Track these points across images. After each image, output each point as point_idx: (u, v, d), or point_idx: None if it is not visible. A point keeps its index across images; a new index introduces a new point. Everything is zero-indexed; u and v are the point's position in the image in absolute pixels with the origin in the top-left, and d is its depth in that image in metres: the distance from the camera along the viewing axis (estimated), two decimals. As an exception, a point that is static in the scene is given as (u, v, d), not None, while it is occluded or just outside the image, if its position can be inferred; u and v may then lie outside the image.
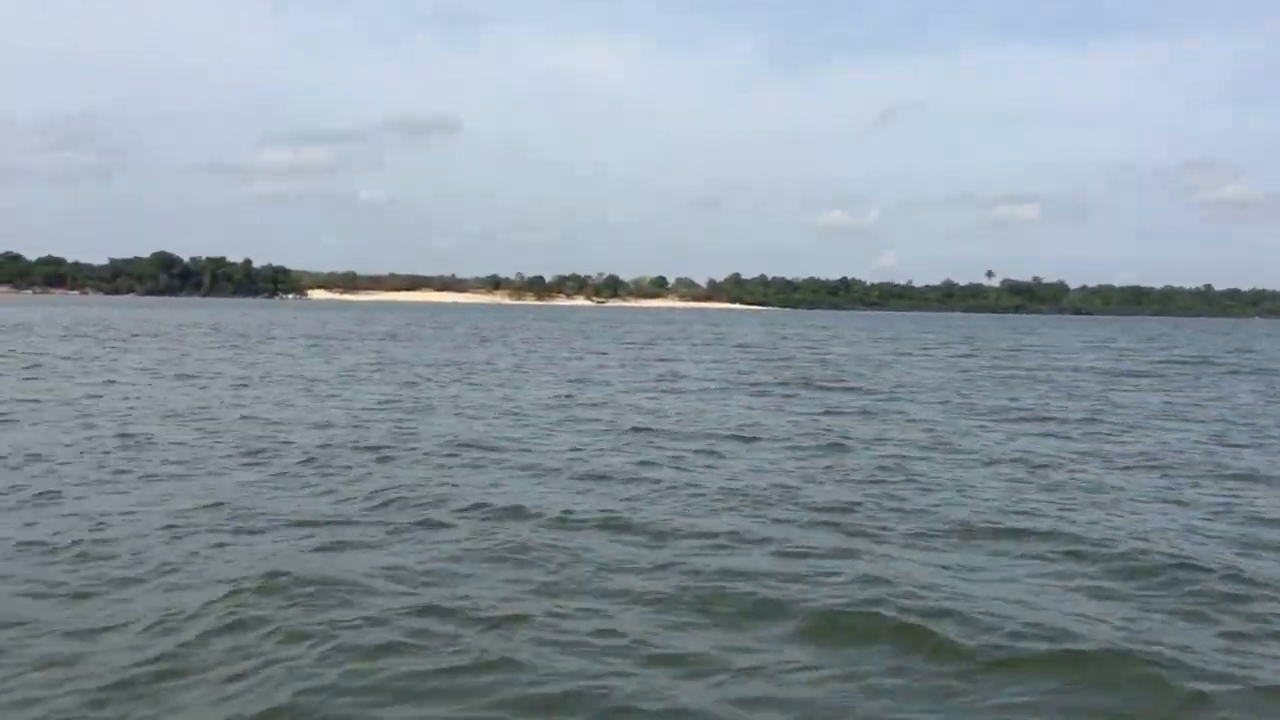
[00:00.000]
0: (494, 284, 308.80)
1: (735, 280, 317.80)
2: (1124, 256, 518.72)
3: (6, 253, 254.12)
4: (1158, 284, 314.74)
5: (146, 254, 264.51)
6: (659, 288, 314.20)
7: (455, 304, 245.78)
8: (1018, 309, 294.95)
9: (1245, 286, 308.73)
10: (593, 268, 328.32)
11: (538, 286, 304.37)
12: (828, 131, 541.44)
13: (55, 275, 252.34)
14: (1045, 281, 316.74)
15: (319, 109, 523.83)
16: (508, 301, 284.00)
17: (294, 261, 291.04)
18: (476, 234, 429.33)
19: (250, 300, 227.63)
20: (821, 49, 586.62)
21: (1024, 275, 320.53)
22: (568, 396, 23.20)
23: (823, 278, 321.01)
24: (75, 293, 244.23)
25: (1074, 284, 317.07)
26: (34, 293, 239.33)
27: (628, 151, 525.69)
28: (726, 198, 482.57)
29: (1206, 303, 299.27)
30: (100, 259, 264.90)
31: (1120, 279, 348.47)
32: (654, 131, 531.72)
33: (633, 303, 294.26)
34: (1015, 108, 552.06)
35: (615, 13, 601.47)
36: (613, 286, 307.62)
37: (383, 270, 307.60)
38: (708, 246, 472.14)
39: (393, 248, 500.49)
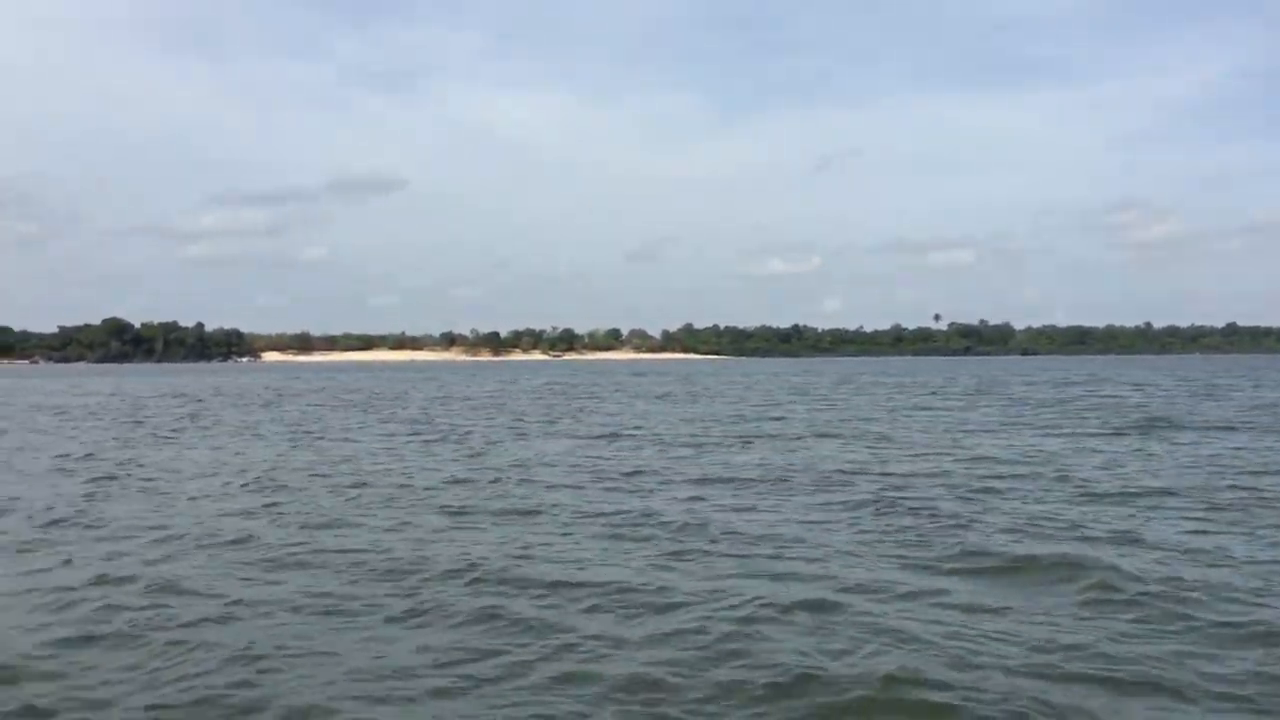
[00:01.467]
0: (449, 341, 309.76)
1: (688, 330, 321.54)
2: (1058, 297, 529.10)
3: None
4: (1092, 323, 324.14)
5: (89, 320, 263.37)
6: (614, 339, 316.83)
7: (422, 362, 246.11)
8: (967, 351, 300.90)
9: (1178, 323, 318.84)
10: (541, 321, 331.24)
11: (493, 342, 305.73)
12: (765, 181, 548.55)
13: (3, 343, 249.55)
14: (991, 323, 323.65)
15: (259, 169, 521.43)
16: (464, 358, 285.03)
17: (239, 323, 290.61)
18: (421, 290, 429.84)
19: (212, 365, 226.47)
20: (752, 100, 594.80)
21: (966, 318, 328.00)
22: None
23: (774, 325, 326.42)
24: (23, 361, 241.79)
25: (1015, 325, 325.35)
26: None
27: (571, 204, 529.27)
28: (670, 248, 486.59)
29: (1147, 340, 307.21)
30: (43, 326, 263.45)
31: (1054, 319, 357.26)
32: (595, 183, 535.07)
33: (589, 355, 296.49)
34: (947, 154, 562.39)
35: (551, 67, 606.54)
36: (568, 340, 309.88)
37: (330, 330, 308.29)
38: (655, 297, 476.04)
39: (338, 306, 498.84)
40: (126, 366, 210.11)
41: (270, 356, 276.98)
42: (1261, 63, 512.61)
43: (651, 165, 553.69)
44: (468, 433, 29.79)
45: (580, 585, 9.96)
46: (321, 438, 28.44)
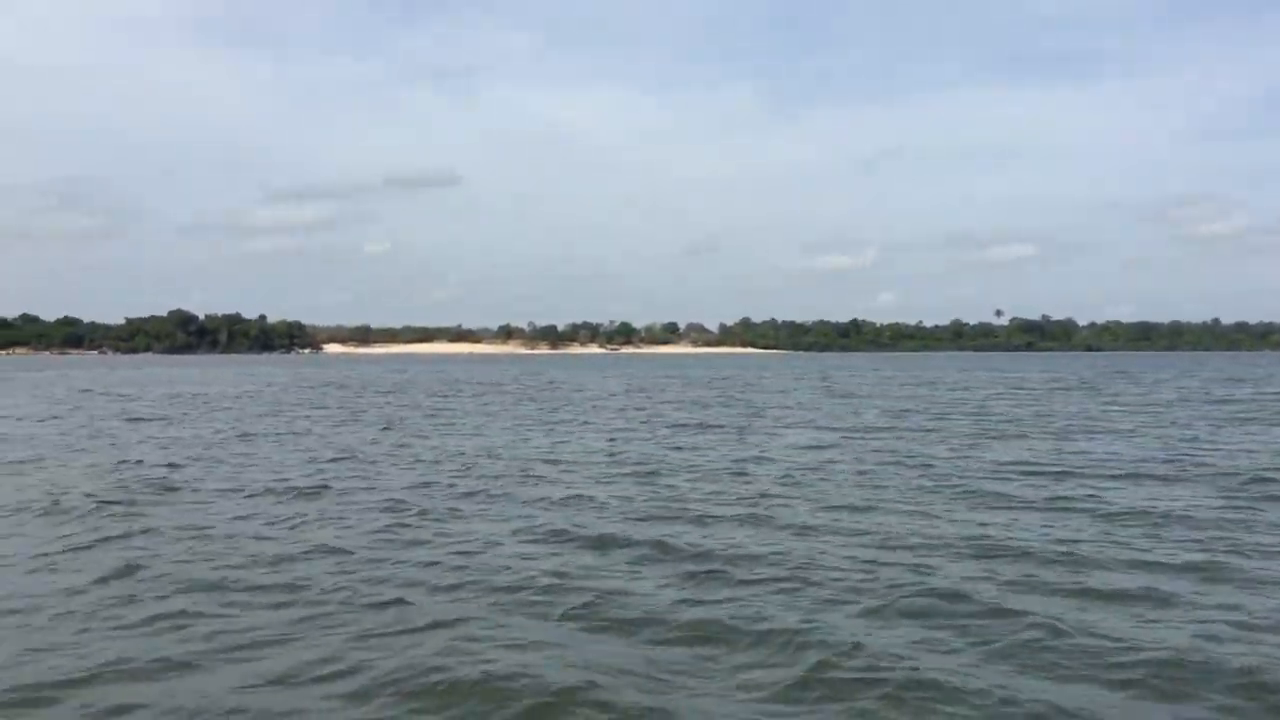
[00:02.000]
0: (506, 334, 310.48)
1: (745, 324, 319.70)
2: (1121, 293, 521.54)
3: (24, 314, 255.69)
4: (1156, 319, 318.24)
5: (151, 312, 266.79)
6: (671, 334, 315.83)
7: (481, 355, 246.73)
8: (1029, 346, 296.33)
9: (1246, 319, 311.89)
10: (597, 315, 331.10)
11: (551, 335, 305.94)
12: (820, 174, 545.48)
13: (73, 335, 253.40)
14: (1054, 319, 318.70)
15: (319, 165, 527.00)
16: (523, 351, 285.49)
17: (299, 316, 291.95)
18: (477, 284, 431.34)
19: (275, 357, 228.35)
20: (813, 92, 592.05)
21: (1027, 313, 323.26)
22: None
23: (831, 319, 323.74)
24: (94, 353, 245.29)
25: (1078, 321, 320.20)
26: (52, 353, 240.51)
27: (623, 199, 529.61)
28: (725, 242, 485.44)
29: (1215, 337, 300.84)
30: (107, 318, 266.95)
31: (1117, 314, 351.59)
32: (650, 179, 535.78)
33: (646, 349, 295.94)
34: (1007, 148, 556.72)
35: (605, 64, 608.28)
36: (625, 333, 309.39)
37: (387, 323, 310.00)
38: (710, 291, 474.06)
39: (394, 300, 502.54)
40: (193, 357, 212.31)
41: (331, 349, 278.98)
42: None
43: (706, 160, 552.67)
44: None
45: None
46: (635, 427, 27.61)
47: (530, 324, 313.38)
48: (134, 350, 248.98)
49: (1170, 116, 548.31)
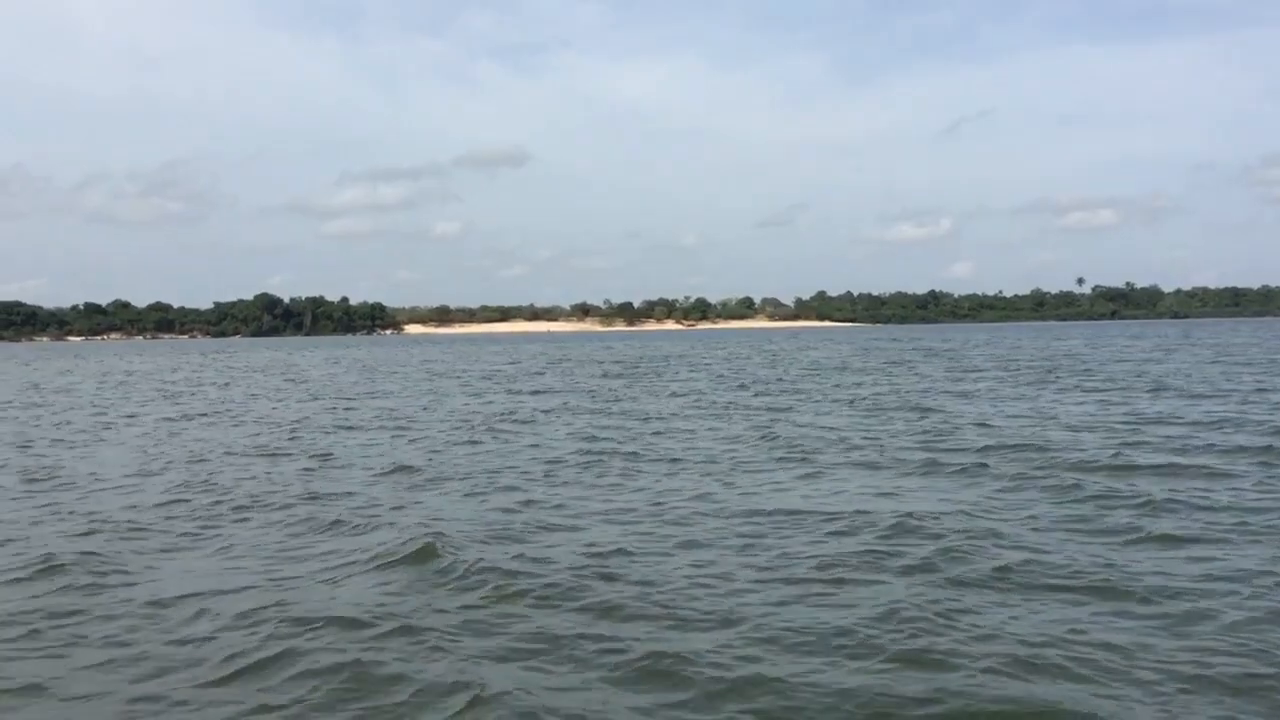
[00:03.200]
0: (583, 311, 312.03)
1: (821, 298, 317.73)
2: (1208, 258, 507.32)
3: (116, 300, 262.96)
4: (1245, 284, 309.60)
5: (234, 295, 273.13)
6: (747, 309, 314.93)
7: (560, 332, 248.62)
8: (1113, 315, 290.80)
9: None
10: (671, 290, 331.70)
11: (627, 312, 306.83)
12: (894, 143, 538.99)
13: (164, 320, 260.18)
14: (1138, 286, 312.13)
15: (391, 145, 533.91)
16: (599, 328, 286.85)
17: (377, 296, 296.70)
18: (549, 261, 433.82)
19: (358, 339, 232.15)
20: (883, 60, 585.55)
21: (1110, 280, 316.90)
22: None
23: (908, 291, 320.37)
24: (184, 337, 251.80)
25: (1163, 287, 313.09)
26: (145, 338, 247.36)
27: (696, 172, 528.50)
28: (799, 214, 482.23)
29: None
30: (192, 301, 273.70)
31: (1202, 280, 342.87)
32: (720, 151, 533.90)
33: (722, 324, 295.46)
34: (1080, 110, 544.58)
35: (674, 34, 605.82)
36: (701, 309, 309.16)
37: (464, 302, 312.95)
38: (785, 264, 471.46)
39: (470, 278, 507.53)
40: (282, 340, 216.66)
41: (412, 329, 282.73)
42: None
43: (780, 130, 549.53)
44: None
45: None
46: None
47: (606, 301, 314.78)
48: (222, 334, 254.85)
49: (1255, 74, 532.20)
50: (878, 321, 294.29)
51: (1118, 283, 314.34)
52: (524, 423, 24.36)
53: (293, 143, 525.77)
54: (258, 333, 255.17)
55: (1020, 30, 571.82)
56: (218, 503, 13.72)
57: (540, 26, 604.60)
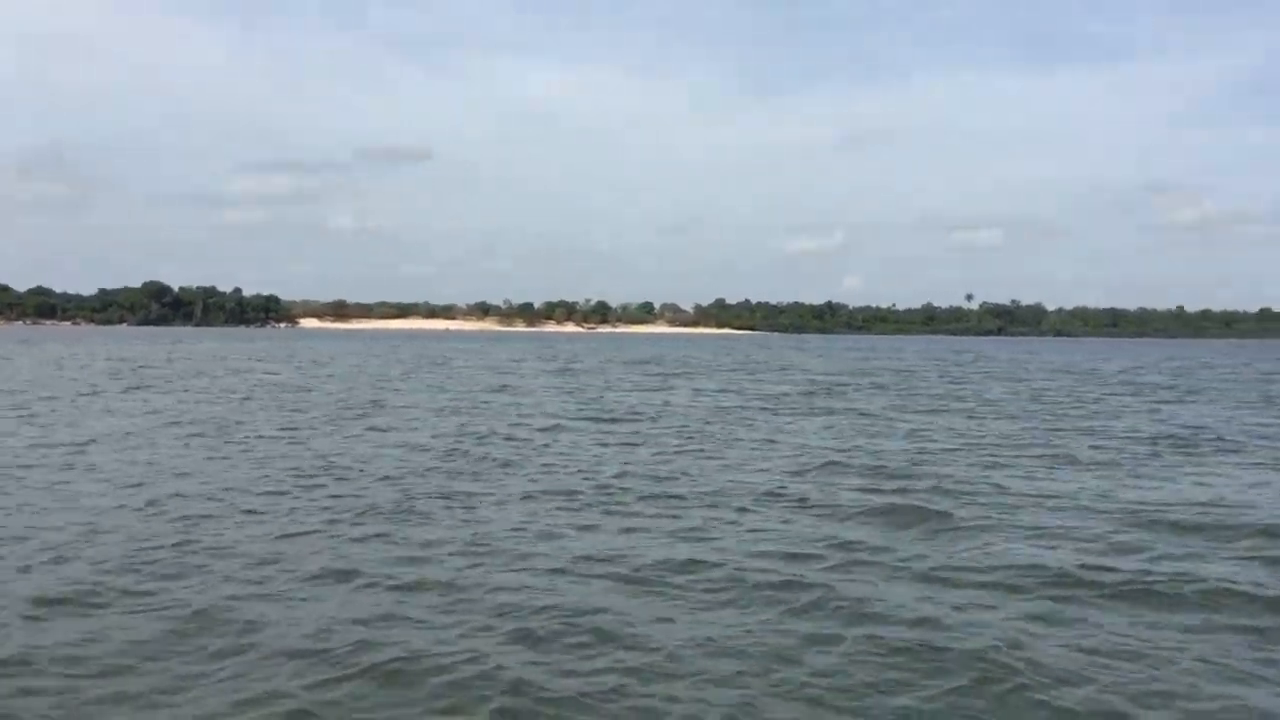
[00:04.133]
0: (483, 310, 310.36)
1: (721, 305, 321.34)
2: (1090, 279, 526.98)
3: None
4: (1123, 305, 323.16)
5: (122, 283, 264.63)
6: (646, 313, 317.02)
7: (459, 332, 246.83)
8: (1000, 331, 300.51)
9: (1212, 307, 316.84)
10: (570, 293, 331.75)
11: (528, 313, 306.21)
12: (796, 157, 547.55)
13: (46, 306, 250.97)
14: (1023, 304, 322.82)
15: (289, 137, 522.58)
16: (498, 328, 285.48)
17: (273, 289, 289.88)
18: (449, 260, 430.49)
19: (251, 331, 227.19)
20: (787, 77, 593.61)
21: (997, 298, 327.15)
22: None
23: (805, 301, 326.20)
24: (67, 324, 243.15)
25: (1047, 306, 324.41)
26: (25, 324, 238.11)
27: (602, 178, 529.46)
28: (700, 223, 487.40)
29: (1181, 324, 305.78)
30: (77, 289, 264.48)
31: (1082, 299, 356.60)
32: (626, 158, 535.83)
33: (622, 328, 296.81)
34: (978, 132, 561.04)
35: (580, 39, 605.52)
36: (601, 312, 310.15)
37: (361, 297, 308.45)
38: (684, 271, 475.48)
39: (368, 274, 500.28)
40: (170, 330, 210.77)
41: (308, 323, 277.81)
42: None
43: (684, 139, 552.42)
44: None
45: None
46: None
47: (506, 301, 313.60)
48: (108, 322, 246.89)
49: (1141, 105, 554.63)
50: (775, 330, 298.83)
51: (1003, 300, 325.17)
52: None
53: (187, 131, 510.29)
54: (145, 321, 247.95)
55: (914, 54, 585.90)
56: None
57: (448, 24, 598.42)
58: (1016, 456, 19.13)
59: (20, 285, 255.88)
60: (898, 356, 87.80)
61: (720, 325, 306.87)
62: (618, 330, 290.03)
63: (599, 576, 9.88)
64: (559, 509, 13.29)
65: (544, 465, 17.35)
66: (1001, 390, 41.40)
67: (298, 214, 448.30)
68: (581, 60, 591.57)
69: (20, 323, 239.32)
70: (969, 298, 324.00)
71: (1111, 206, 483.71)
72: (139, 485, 14.66)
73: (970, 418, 27.69)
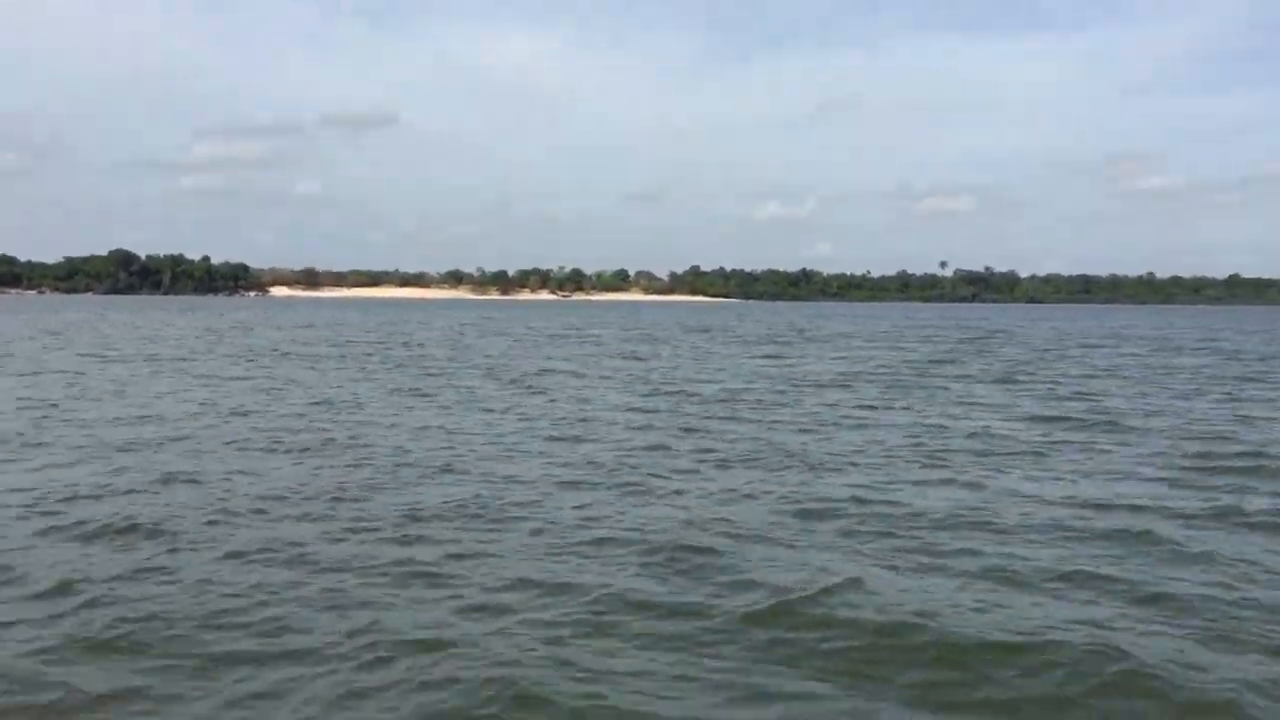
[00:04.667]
0: (456, 279, 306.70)
1: (695, 272, 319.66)
2: (1060, 246, 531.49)
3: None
4: (1094, 272, 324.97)
5: (86, 251, 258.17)
6: (621, 280, 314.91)
7: (435, 300, 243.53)
8: (974, 298, 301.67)
9: (1180, 274, 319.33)
10: (541, 261, 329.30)
11: (501, 281, 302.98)
12: (766, 124, 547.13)
13: (9, 274, 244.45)
14: (997, 271, 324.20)
15: (251, 104, 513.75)
16: (471, 296, 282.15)
17: (236, 258, 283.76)
18: (418, 228, 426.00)
19: (220, 300, 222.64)
20: (753, 43, 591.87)
21: (970, 265, 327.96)
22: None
23: (780, 269, 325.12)
24: (32, 292, 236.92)
25: (1020, 273, 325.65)
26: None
27: (571, 145, 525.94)
28: (671, 190, 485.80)
29: (1152, 290, 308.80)
30: (37, 257, 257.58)
31: (1052, 266, 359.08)
32: (595, 124, 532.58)
33: (597, 296, 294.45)
34: (950, 100, 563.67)
35: (547, 4, 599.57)
36: (576, 280, 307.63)
37: (329, 265, 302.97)
38: (657, 239, 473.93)
39: (335, 242, 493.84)
40: (138, 299, 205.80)
41: (278, 291, 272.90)
42: (1266, 15, 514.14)
43: (651, 106, 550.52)
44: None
45: None
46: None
47: (479, 269, 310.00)
48: (73, 290, 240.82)
49: (1110, 74, 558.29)
50: (750, 298, 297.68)
51: (976, 267, 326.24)
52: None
53: (143, 98, 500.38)
54: (113, 290, 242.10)
55: (884, 20, 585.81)
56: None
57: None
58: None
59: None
60: (953, 327, 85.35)
61: (694, 293, 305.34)
62: (592, 298, 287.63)
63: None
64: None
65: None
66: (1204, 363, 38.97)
67: (260, 181, 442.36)
68: (544, 25, 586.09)
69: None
70: (943, 265, 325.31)
71: (1079, 174, 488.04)
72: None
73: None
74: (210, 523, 10.37)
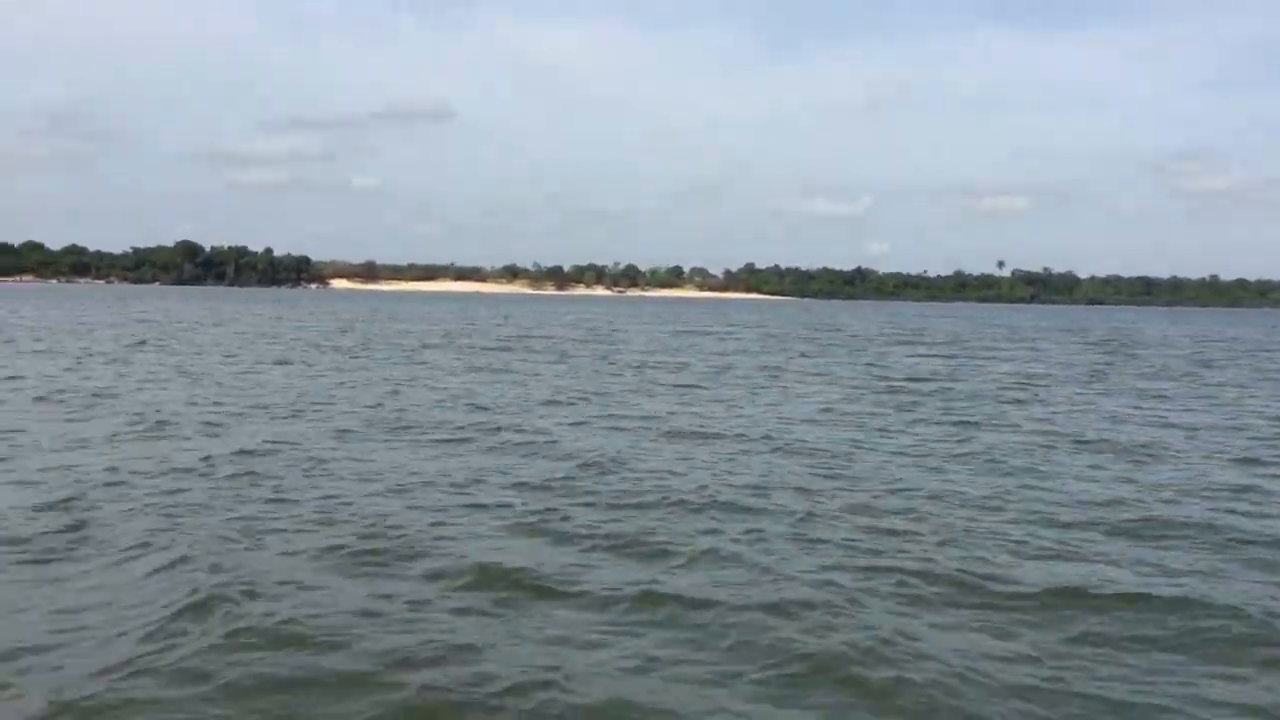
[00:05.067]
0: (512, 274, 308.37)
1: (750, 270, 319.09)
2: (1121, 246, 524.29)
3: (29, 241, 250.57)
4: (1156, 274, 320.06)
5: (144, 241, 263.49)
6: (676, 277, 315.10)
7: (490, 294, 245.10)
8: (1032, 299, 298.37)
9: (1240, 276, 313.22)
10: (593, 255, 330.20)
11: (557, 276, 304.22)
12: (819, 117, 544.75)
13: (80, 264, 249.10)
14: (1055, 271, 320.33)
15: (309, 95, 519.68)
16: (528, 291, 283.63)
17: (294, 249, 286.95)
18: (471, 221, 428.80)
19: (283, 291, 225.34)
20: (805, 35, 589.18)
21: (1028, 264, 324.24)
22: None
23: (834, 267, 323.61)
24: (100, 282, 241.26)
25: (1079, 274, 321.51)
26: (59, 281, 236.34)
27: (618, 137, 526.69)
28: (722, 185, 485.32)
29: (1215, 293, 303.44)
30: (105, 245, 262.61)
31: (1110, 266, 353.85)
32: (642, 118, 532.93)
33: (651, 293, 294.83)
34: (1009, 95, 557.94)
35: None
36: (631, 276, 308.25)
37: (384, 257, 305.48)
38: (709, 234, 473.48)
39: (391, 234, 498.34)
40: (204, 289, 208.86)
41: (338, 284, 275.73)
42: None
43: (702, 100, 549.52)
44: None
45: None
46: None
47: (535, 264, 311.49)
48: (141, 280, 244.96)
49: (1174, 70, 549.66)
50: (805, 296, 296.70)
51: (1033, 267, 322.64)
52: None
53: (204, 89, 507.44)
54: (179, 281, 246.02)
55: (942, 11, 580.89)
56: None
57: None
58: None
59: (50, 243, 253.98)
60: (1073, 331, 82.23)
61: (749, 290, 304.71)
62: (647, 294, 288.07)
63: None
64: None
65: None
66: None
67: (318, 173, 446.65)
68: (595, 18, 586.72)
69: (54, 280, 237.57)
70: (1000, 265, 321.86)
71: (1140, 172, 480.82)
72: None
73: None
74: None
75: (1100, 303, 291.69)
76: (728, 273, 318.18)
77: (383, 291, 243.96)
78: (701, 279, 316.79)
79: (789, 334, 60.13)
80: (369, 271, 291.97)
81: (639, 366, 31.43)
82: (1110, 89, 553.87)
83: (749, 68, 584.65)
